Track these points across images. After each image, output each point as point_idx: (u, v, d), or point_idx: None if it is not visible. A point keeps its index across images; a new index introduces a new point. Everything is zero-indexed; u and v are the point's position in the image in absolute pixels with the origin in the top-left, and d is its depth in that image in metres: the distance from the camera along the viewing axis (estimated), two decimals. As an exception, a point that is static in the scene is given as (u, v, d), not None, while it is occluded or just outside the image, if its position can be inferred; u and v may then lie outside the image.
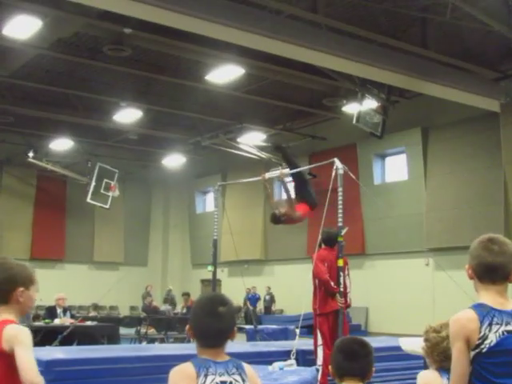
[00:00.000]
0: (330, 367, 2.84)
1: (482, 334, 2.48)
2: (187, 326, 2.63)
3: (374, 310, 20.61)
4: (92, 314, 16.27)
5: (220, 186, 12.72)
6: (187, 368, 2.50)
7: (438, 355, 3.03)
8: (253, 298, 23.43)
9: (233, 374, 2.55)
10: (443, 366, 3.00)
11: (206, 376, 2.48)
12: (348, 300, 8.28)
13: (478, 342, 2.48)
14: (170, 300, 21.83)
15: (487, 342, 2.48)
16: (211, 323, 2.55)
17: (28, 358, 2.69)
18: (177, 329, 15.50)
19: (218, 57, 15.47)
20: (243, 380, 2.57)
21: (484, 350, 2.48)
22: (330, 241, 8.47)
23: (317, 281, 8.26)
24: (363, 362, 2.78)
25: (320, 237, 8.58)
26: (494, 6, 12.25)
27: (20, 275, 2.93)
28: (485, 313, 2.51)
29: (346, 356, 2.78)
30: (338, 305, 8.07)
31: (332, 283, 8.07)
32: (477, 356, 2.49)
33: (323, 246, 8.56)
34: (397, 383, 8.17)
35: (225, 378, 2.52)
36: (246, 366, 2.65)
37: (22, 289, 2.90)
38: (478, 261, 2.60)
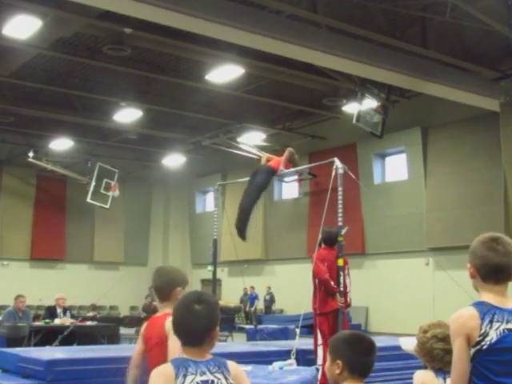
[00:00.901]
0: (338, 361, 2.76)
1: (482, 331, 2.48)
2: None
3: (374, 309, 20.62)
4: (90, 314, 16.24)
5: (220, 185, 12.73)
6: (166, 369, 2.49)
7: (425, 355, 3.03)
8: (251, 298, 23.46)
9: (214, 372, 2.52)
10: (434, 366, 3.00)
11: (184, 376, 2.46)
12: (348, 299, 8.29)
13: (478, 339, 2.48)
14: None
15: (488, 339, 2.47)
16: (186, 321, 2.55)
17: (177, 345, 3.01)
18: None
19: (217, 56, 15.48)
20: (226, 378, 2.53)
21: (484, 348, 2.47)
22: (330, 240, 8.47)
23: (317, 280, 8.26)
24: (374, 359, 2.78)
25: (320, 236, 8.58)
26: (493, 6, 12.26)
27: (177, 277, 3.66)
28: (485, 310, 2.51)
29: (365, 352, 2.75)
30: (337, 304, 8.07)
31: (332, 283, 8.08)
32: (477, 353, 2.48)
33: (323, 245, 8.56)
34: (397, 383, 8.18)
35: (206, 377, 2.49)
36: (231, 364, 2.60)
37: (179, 288, 3.56)
38: (483, 261, 2.59)
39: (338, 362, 2.73)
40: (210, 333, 2.57)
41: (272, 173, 9.92)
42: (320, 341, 8.08)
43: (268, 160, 10.19)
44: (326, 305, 8.13)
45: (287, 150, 10.11)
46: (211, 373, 2.51)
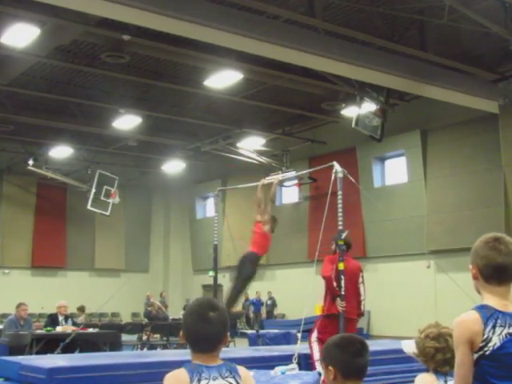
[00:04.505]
0: (330, 368, 2.75)
1: (485, 336, 2.45)
2: (180, 332, 2.64)
3: (376, 313, 20.58)
4: (80, 318, 16.13)
5: (220, 191, 12.71)
6: (180, 374, 2.50)
7: (420, 355, 3.06)
8: (257, 304, 23.43)
9: (226, 377, 2.55)
10: (429, 366, 3.01)
11: (199, 381, 2.48)
12: (362, 307, 8.28)
13: (481, 345, 2.45)
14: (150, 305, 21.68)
15: (491, 344, 2.44)
16: (201, 329, 2.55)
17: None
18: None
19: (216, 62, 15.49)
20: (237, 382, 2.57)
21: (487, 353, 2.44)
22: (347, 246, 8.42)
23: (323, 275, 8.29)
24: (367, 360, 2.76)
25: (333, 244, 8.53)
26: (491, 8, 12.27)
27: None
28: (488, 315, 2.48)
29: (355, 354, 2.73)
30: (351, 313, 8.07)
31: (335, 284, 8.04)
32: (480, 359, 2.46)
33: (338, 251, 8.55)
34: (400, 386, 8.15)
35: (219, 381, 2.52)
36: (241, 369, 2.64)
37: None
38: (486, 261, 2.56)
39: (330, 368, 2.71)
40: (224, 338, 2.61)
41: (257, 259, 9.78)
42: (314, 337, 8.09)
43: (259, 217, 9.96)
44: (332, 307, 8.11)
45: (271, 220, 9.69)
46: (223, 377, 2.54)
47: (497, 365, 2.45)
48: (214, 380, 2.51)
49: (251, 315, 23.41)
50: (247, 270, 9.64)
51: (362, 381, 2.73)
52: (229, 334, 2.66)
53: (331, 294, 8.12)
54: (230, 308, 10.06)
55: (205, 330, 2.55)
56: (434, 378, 2.97)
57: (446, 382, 2.92)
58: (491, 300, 2.54)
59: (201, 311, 2.58)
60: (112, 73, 16.82)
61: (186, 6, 10.65)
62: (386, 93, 15.89)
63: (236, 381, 2.56)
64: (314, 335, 8.13)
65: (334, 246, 8.46)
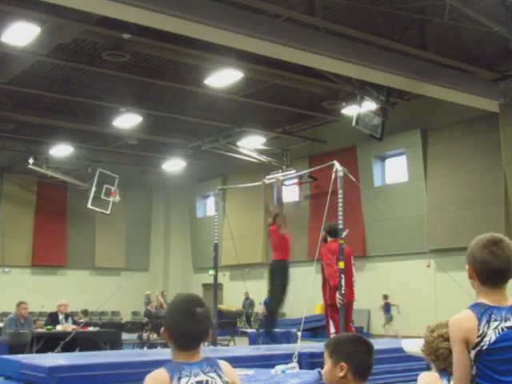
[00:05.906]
0: (343, 364, 2.67)
1: (480, 331, 2.47)
2: (162, 329, 2.60)
3: (376, 312, 20.59)
4: (82, 320, 16.08)
5: (220, 190, 12.70)
6: (160, 374, 2.47)
7: (430, 354, 3.03)
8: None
9: (208, 372, 2.53)
10: (438, 366, 3.00)
11: (179, 379, 2.45)
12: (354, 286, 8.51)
13: (477, 341, 2.47)
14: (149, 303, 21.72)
15: (486, 339, 2.46)
16: (189, 325, 2.52)
17: None
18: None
19: (216, 61, 15.49)
20: (220, 376, 2.54)
21: (484, 348, 2.46)
22: (335, 232, 8.48)
23: (326, 272, 8.38)
24: (374, 360, 2.76)
25: (323, 232, 8.65)
26: (491, 7, 12.27)
27: None
28: (482, 311, 2.50)
29: (368, 353, 2.72)
30: (351, 296, 8.22)
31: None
32: (478, 355, 2.47)
33: (329, 239, 8.62)
34: (399, 385, 8.15)
35: (200, 377, 2.50)
36: (222, 363, 2.61)
37: None
38: (483, 266, 2.57)
39: (343, 364, 2.68)
40: (207, 335, 2.60)
41: (287, 266, 9.59)
42: (332, 330, 8.19)
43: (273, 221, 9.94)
44: (334, 296, 8.19)
45: (277, 218, 9.89)
46: (205, 373, 2.52)
47: (496, 359, 2.46)
48: (195, 376, 2.49)
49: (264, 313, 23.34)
50: (283, 280, 9.53)
51: (366, 382, 2.72)
52: (211, 330, 2.64)
53: (333, 286, 8.19)
54: (273, 319, 10.14)
55: (194, 326, 2.52)
56: (438, 376, 2.96)
57: (449, 380, 2.91)
58: (486, 298, 2.56)
59: (188, 308, 2.55)
60: (112, 71, 16.82)
61: (187, 4, 10.64)
62: (386, 92, 15.89)
63: (218, 375, 2.54)
64: (332, 329, 8.24)
65: (323, 233, 8.59)
